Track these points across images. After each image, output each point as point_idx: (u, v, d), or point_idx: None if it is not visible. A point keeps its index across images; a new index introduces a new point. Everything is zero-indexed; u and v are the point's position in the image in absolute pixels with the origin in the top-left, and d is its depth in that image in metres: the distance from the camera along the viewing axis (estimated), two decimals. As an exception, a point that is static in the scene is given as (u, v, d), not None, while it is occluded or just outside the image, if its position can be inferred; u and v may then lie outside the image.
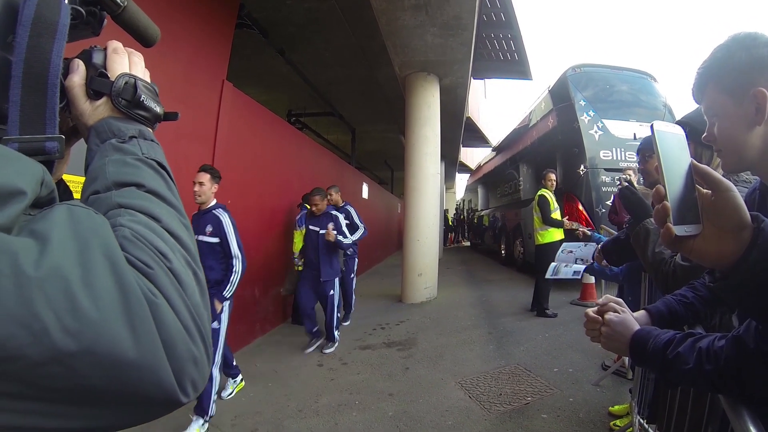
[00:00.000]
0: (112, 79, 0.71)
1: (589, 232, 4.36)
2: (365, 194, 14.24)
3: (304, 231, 6.84)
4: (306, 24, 8.13)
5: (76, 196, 0.67)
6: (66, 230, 0.46)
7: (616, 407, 3.85)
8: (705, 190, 0.79)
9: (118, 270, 0.47)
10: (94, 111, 0.70)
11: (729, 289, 0.82)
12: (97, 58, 0.73)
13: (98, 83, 0.70)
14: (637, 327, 1.26)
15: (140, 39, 0.83)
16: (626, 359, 4.30)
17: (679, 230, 0.78)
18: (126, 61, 0.75)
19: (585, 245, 4.08)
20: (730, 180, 1.79)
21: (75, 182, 1.01)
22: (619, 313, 1.31)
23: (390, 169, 24.21)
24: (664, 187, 0.79)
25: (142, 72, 0.76)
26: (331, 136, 15.41)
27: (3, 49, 0.59)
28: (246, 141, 6.03)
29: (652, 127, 0.81)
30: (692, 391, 1.87)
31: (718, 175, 0.78)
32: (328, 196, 6.47)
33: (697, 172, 0.80)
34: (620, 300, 1.38)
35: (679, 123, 2.08)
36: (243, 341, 5.94)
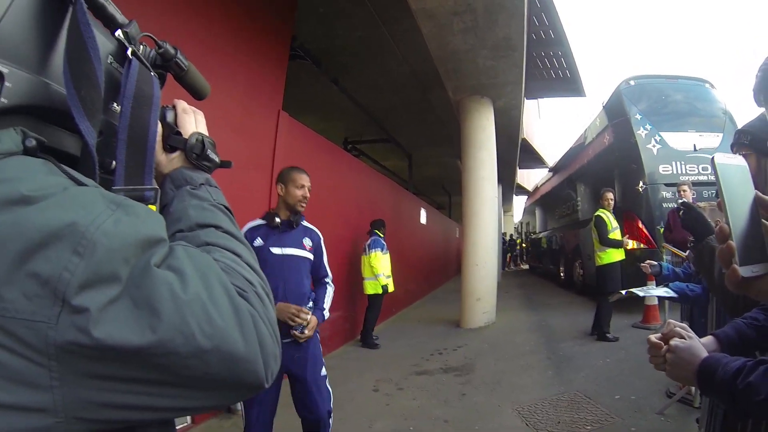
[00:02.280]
0: (186, 136, 0.87)
1: (655, 265, 4.11)
2: (423, 220, 14.24)
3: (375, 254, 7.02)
4: (358, 52, 8.34)
5: None
6: (191, 265, 0.61)
7: (683, 437, 3.66)
8: None
9: (230, 293, 0.62)
10: (169, 162, 0.86)
11: None
12: (170, 117, 0.88)
13: (175, 140, 0.86)
14: (705, 354, 1.17)
15: (195, 95, 0.96)
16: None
17: (745, 271, 0.71)
18: (193, 120, 0.91)
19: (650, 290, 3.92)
20: None
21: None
22: (685, 339, 1.23)
23: (447, 194, 24.16)
24: (728, 224, 0.72)
25: (204, 128, 0.92)
26: (387, 162, 15.57)
27: (107, 115, 0.75)
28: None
29: (712, 159, 0.76)
30: (765, 423, 1.77)
31: None
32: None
33: (763, 205, 0.74)
34: (684, 325, 1.30)
35: (740, 131, 1.99)
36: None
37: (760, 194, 0.74)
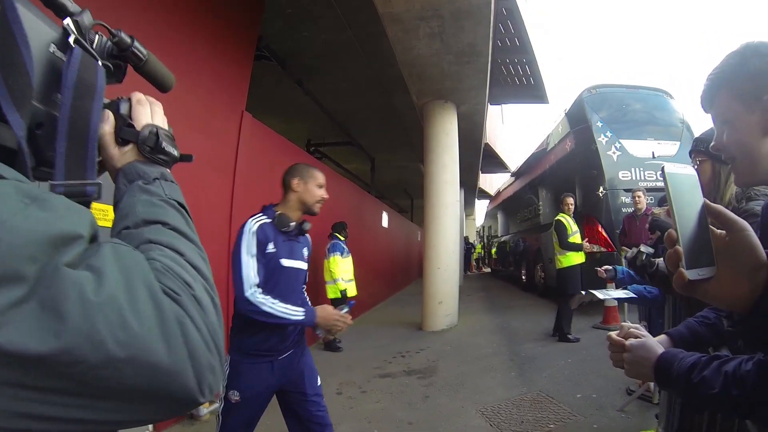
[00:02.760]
0: (138, 129, 0.82)
1: (611, 269, 4.17)
2: (385, 223, 14.25)
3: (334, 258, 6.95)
4: (323, 54, 8.31)
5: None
6: (114, 265, 0.56)
7: (643, 432, 3.77)
8: (719, 231, 0.77)
9: (155, 296, 0.58)
10: (122, 156, 0.82)
11: (749, 332, 0.80)
12: (124, 109, 0.83)
13: (126, 133, 0.81)
14: (661, 350, 1.21)
15: (158, 86, 0.92)
16: (652, 383, 4.20)
17: (692, 274, 0.75)
18: (149, 111, 0.85)
19: (609, 292, 3.99)
20: (751, 193, 1.76)
21: (98, 209, 1.07)
22: (640, 338, 1.29)
23: (410, 197, 24.25)
24: (676, 231, 0.76)
25: (161, 120, 0.87)
26: (350, 165, 15.54)
27: (49, 106, 0.70)
28: (265, 171, 6.10)
29: (662, 169, 0.79)
30: (720, 415, 1.83)
31: (732, 214, 0.76)
32: None
33: (710, 212, 0.78)
34: (638, 325, 1.35)
35: (697, 140, 2.08)
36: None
37: (708, 202, 0.77)
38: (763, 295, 0.73)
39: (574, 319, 7.26)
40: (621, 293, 3.81)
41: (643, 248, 2.83)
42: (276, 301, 2.47)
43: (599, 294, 3.98)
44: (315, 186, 2.84)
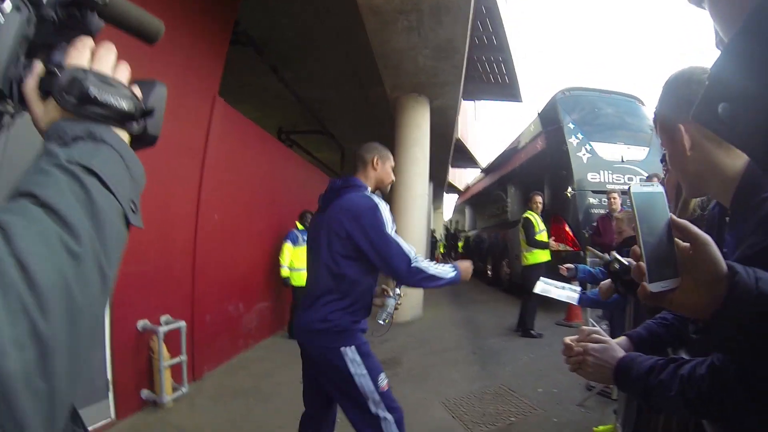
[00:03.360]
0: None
1: (572, 268, 4.22)
2: (353, 213, 14.15)
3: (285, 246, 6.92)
4: (300, 43, 8.23)
5: None
6: None
7: (601, 427, 3.86)
8: (684, 244, 0.81)
9: None
10: (46, 114, 0.62)
11: (712, 339, 0.85)
12: (57, 57, 0.64)
13: (46, 82, 0.62)
14: (621, 353, 1.25)
15: (139, 35, 0.76)
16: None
17: (654, 287, 0.80)
18: (86, 55, 0.65)
19: (563, 287, 3.99)
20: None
21: None
22: (602, 342, 1.31)
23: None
24: (640, 247, 0.81)
25: (107, 66, 0.67)
26: (320, 154, 15.44)
27: None
28: (236, 157, 6.05)
29: (629, 189, 0.84)
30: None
31: (695, 228, 0.80)
32: None
33: (675, 226, 0.82)
34: (598, 329, 1.39)
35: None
36: (225, 356, 5.91)
37: (674, 217, 0.82)
38: (723, 305, 0.77)
39: (538, 315, 7.41)
40: (564, 296, 3.85)
41: (618, 256, 2.90)
42: (431, 262, 2.48)
43: (539, 288, 4.02)
44: (390, 167, 2.79)
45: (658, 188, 0.85)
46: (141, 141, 0.71)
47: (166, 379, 4.33)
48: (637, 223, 0.81)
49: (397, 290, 2.73)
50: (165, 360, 4.29)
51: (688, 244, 0.80)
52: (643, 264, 0.80)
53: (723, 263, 0.78)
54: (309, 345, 2.54)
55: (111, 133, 0.63)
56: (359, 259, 2.47)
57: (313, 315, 2.50)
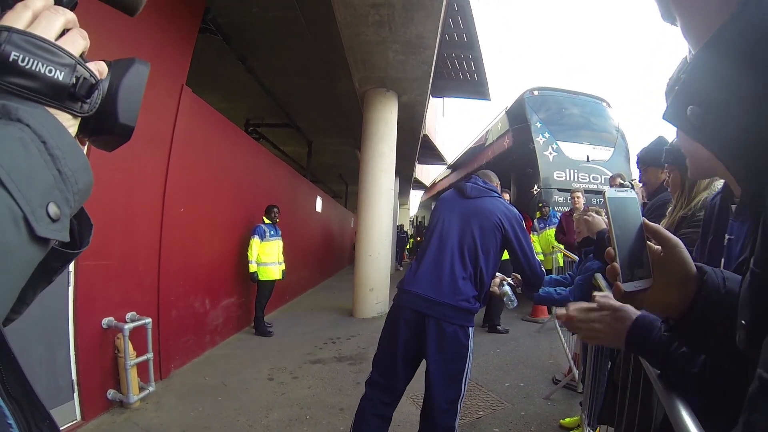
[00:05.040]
0: None
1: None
2: (319, 208, 14.16)
3: (252, 241, 6.84)
4: (270, 32, 8.08)
5: None
6: None
7: (567, 420, 3.96)
8: (656, 246, 0.86)
9: None
10: None
11: (682, 336, 0.88)
12: None
13: None
14: (637, 313, 1.17)
15: (118, 5, 0.66)
16: (576, 373, 4.40)
17: (628, 287, 0.83)
18: (23, 16, 0.52)
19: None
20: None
21: None
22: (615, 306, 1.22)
23: (344, 183, 24.14)
24: (614, 249, 0.84)
25: (48, 30, 0.53)
26: (287, 147, 15.31)
27: None
28: (202, 148, 5.91)
29: (604, 194, 0.87)
30: (639, 402, 1.92)
31: (667, 232, 0.85)
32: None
33: (648, 230, 0.86)
34: (609, 294, 1.35)
35: (666, 150, 2.22)
36: (192, 354, 5.78)
37: (647, 221, 0.87)
38: (692, 304, 0.82)
39: (504, 311, 7.51)
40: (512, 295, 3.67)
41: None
42: None
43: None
44: None
45: (631, 194, 0.89)
46: (107, 131, 0.59)
47: (133, 378, 4.21)
48: (611, 226, 0.85)
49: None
50: (131, 358, 4.17)
51: (659, 247, 0.85)
52: (617, 265, 0.83)
53: (692, 265, 0.84)
54: (442, 320, 2.71)
55: (36, 111, 0.50)
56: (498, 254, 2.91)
57: (454, 292, 2.73)
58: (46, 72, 0.50)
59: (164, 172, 5.03)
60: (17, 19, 0.51)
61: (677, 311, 0.84)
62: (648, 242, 0.86)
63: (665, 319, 0.90)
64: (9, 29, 0.49)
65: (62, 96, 0.52)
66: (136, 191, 4.55)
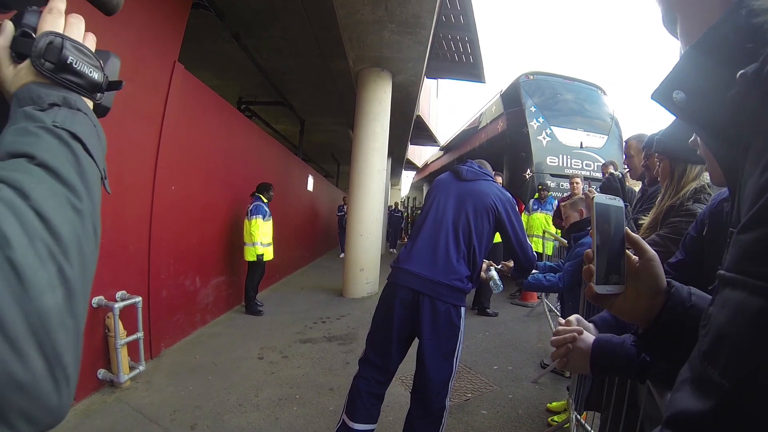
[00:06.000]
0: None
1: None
2: (310, 186, 14.09)
3: (256, 221, 6.79)
4: (264, 10, 7.96)
5: None
6: None
7: (554, 404, 4.02)
8: (634, 257, 0.90)
9: None
10: (16, 76, 0.63)
11: (647, 345, 0.92)
12: (30, 19, 0.65)
13: (20, 44, 0.63)
14: (592, 338, 1.28)
15: (97, 4, 0.74)
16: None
17: (600, 289, 0.88)
18: (60, 22, 0.66)
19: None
20: (701, 196, 1.92)
21: None
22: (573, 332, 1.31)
23: (336, 162, 24.03)
24: (594, 251, 0.87)
25: (78, 36, 0.68)
26: (279, 126, 15.21)
27: None
28: (194, 126, 5.85)
29: (592, 199, 0.89)
30: (627, 390, 1.96)
31: (646, 244, 0.89)
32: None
33: (629, 240, 0.90)
34: (577, 316, 1.41)
35: (658, 141, 2.25)
36: (182, 333, 5.79)
37: (629, 231, 0.90)
38: (658, 316, 0.87)
39: (493, 294, 7.51)
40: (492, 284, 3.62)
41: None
42: None
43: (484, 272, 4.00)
44: None
45: (619, 203, 0.91)
46: (95, 111, 0.72)
47: (123, 358, 4.21)
48: (594, 229, 0.88)
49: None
50: (121, 338, 4.16)
51: (637, 258, 0.90)
52: (593, 266, 0.88)
53: (664, 279, 0.89)
54: (436, 298, 2.77)
55: (83, 102, 0.66)
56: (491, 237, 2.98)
57: (448, 271, 2.79)
58: (89, 72, 0.67)
59: (155, 149, 4.97)
60: (59, 24, 0.66)
61: (644, 320, 0.89)
62: (627, 251, 0.89)
63: (635, 330, 0.97)
64: (62, 36, 0.64)
65: (94, 90, 0.69)
66: (127, 168, 4.51)
